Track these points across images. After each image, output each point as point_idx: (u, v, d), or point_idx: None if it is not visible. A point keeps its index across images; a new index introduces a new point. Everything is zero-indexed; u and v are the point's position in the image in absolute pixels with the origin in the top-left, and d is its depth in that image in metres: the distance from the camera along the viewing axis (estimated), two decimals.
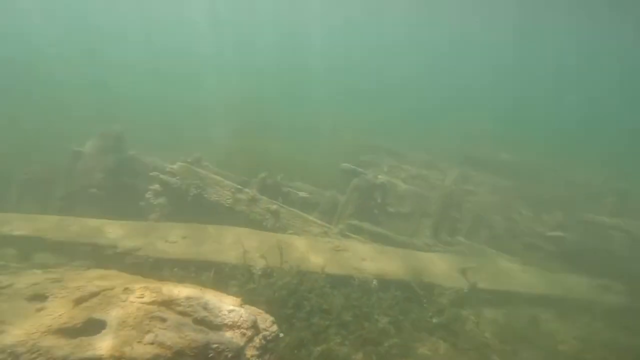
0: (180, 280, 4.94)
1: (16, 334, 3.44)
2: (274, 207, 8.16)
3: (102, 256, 6.13)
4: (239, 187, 8.36)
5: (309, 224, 8.26)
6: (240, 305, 3.70)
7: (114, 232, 6.64)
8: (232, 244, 6.73)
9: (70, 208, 8.12)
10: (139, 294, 3.82)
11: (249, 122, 18.11)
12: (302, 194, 9.57)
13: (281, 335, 3.94)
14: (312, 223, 8.30)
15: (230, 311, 3.46)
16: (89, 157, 8.81)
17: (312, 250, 7.03)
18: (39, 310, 3.73)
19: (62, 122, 14.89)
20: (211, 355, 3.15)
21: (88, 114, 14.44)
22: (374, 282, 6.51)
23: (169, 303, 3.54)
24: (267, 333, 3.70)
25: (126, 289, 3.84)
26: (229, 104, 20.42)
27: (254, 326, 3.51)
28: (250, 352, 3.44)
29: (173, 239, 6.73)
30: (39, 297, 3.95)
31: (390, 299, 6.15)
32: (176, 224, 7.21)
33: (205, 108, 19.96)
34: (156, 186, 8.33)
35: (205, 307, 3.44)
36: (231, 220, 7.65)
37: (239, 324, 3.38)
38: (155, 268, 5.85)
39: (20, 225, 6.40)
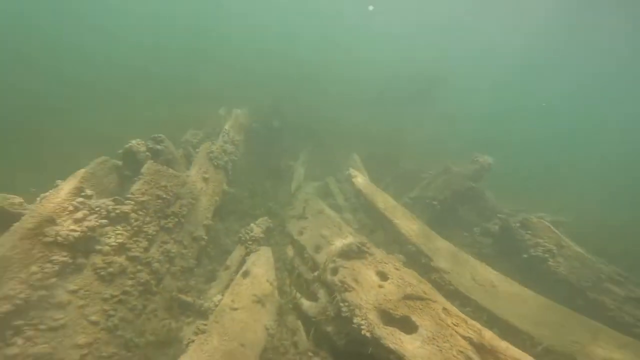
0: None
1: (360, 298, 4.66)
2: None
3: (415, 260, 6.97)
4: (618, 276, 6.49)
5: None
6: None
7: (432, 248, 7.23)
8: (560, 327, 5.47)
9: (413, 206, 9.79)
10: (455, 322, 4.04)
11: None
12: None
13: None
14: None
15: None
16: (452, 175, 10.01)
17: None
18: (380, 287, 4.89)
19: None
20: None
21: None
22: None
23: (486, 350, 3.49)
24: None
25: (445, 309, 4.19)
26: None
27: None
28: None
29: (481, 281, 6.53)
30: (383, 275, 5.19)
31: None
32: (491, 269, 6.86)
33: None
34: (494, 227, 8.21)
35: None
36: (567, 302, 6.19)
37: None
38: (450, 297, 5.89)
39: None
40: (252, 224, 6.43)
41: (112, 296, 4.29)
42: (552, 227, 7.36)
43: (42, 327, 3.71)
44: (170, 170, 5.92)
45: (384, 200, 8.85)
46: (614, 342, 5.21)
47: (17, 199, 4.38)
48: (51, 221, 4.03)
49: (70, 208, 4.32)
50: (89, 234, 4.22)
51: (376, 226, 8.46)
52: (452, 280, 6.36)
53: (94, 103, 14.14)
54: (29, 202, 4.51)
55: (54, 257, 3.90)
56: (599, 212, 13.24)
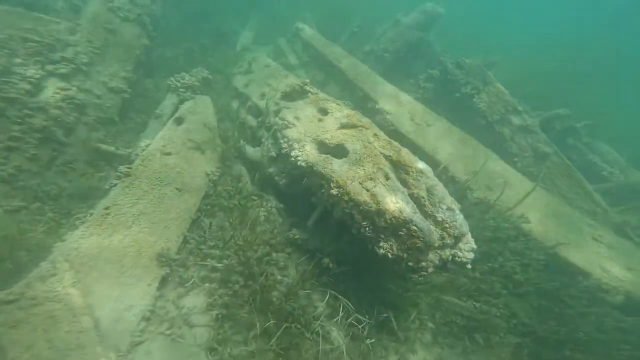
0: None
1: (297, 132, 4.24)
2: (546, 149, 6.07)
3: (362, 105, 6.61)
4: (520, 108, 6.57)
5: (582, 191, 5.83)
6: (459, 211, 3.10)
7: (379, 92, 6.79)
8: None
9: (366, 60, 8.75)
10: (382, 144, 3.84)
11: None
12: (592, 156, 6.64)
13: (469, 266, 3.20)
14: (587, 193, 5.87)
15: (448, 209, 2.97)
16: (402, 26, 8.93)
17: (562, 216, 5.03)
18: (319, 120, 4.50)
19: None
20: (402, 232, 2.94)
21: None
22: (619, 297, 4.32)
23: (399, 165, 3.39)
24: (460, 255, 3.08)
25: (375, 134, 3.97)
26: None
27: (456, 240, 2.95)
28: (433, 256, 3.00)
29: (419, 122, 6.43)
30: (324, 111, 4.72)
31: None
32: (429, 111, 6.60)
33: None
34: (435, 72, 7.79)
35: (430, 190, 3.09)
36: (481, 136, 6.41)
37: (447, 226, 2.90)
38: (390, 136, 5.78)
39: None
40: (182, 73, 5.41)
41: None
42: (482, 66, 7.08)
43: None
44: (35, 14, 4.73)
45: (332, 50, 7.84)
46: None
47: None
48: None
49: None
50: None
51: (328, 79, 7.74)
52: (394, 120, 6.14)
53: None
54: None
55: None
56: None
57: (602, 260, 4.67)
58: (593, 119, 7.34)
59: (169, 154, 4.07)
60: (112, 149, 4.26)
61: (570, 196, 5.81)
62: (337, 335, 3.41)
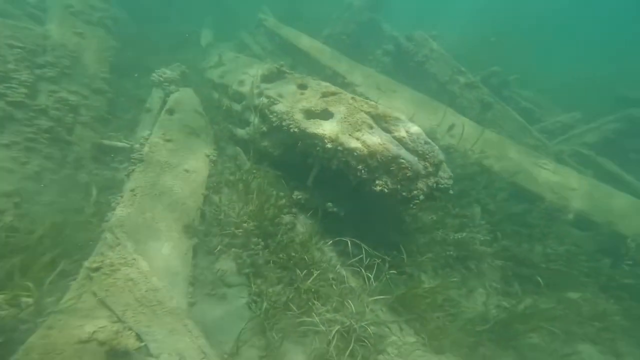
0: None
1: (284, 106, 4.53)
2: (489, 99, 6.89)
3: (335, 82, 6.88)
4: (463, 69, 7.33)
5: (524, 130, 6.74)
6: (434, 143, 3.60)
7: (346, 68, 7.30)
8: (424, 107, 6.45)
9: (327, 44, 9.18)
10: (361, 104, 4.25)
11: None
12: (525, 103, 7.61)
13: (451, 192, 3.77)
14: (527, 131, 6.76)
15: (426, 142, 3.47)
16: (354, 9, 9.37)
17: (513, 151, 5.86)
18: (301, 94, 4.83)
19: None
20: (393, 167, 3.39)
21: None
22: (570, 215, 5.13)
23: (380, 117, 3.82)
24: (442, 181, 3.62)
25: (353, 97, 4.38)
26: None
27: (437, 168, 3.47)
28: (421, 184, 3.50)
29: (385, 89, 6.99)
30: (303, 86, 5.04)
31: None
32: (392, 80, 7.22)
33: None
34: (390, 46, 8.33)
35: (407, 130, 3.56)
36: (436, 96, 7.12)
37: (428, 157, 3.39)
38: None
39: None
40: (162, 68, 5.43)
41: (13, 142, 3.56)
42: (427, 37, 7.82)
43: None
44: (11, 21, 4.67)
45: (296, 35, 8.11)
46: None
47: None
48: None
49: None
50: None
51: (295, 63, 7.99)
52: (363, 91, 6.62)
53: None
54: None
55: None
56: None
57: (550, 184, 5.51)
58: (520, 74, 8.42)
59: (170, 140, 4.20)
60: (115, 142, 4.30)
61: (516, 135, 6.72)
62: (350, 276, 3.78)
